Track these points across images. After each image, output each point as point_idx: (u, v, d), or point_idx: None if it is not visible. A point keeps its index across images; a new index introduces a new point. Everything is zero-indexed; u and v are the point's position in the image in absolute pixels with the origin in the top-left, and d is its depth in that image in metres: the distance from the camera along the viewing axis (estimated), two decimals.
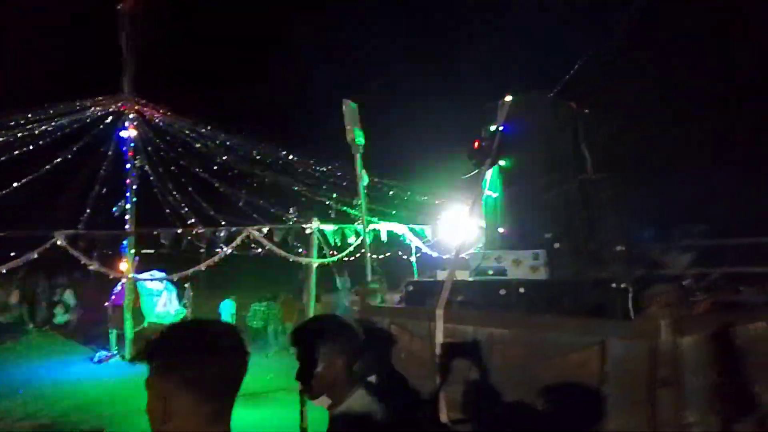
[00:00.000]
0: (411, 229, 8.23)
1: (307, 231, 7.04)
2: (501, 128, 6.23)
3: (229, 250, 7.12)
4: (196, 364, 1.40)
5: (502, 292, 5.67)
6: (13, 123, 11.62)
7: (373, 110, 6.85)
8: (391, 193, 10.65)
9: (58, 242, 6.78)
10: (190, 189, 14.56)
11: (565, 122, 6.75)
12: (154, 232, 10.47)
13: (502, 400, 4.32)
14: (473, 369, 4.69)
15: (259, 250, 12.37)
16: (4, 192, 11.10)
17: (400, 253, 9.95)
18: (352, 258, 10.02)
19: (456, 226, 7.43)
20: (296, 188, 11.62)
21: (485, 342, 5.06)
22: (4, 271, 6.89)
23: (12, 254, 8.44)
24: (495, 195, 7.02)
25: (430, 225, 8.77)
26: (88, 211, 12.95)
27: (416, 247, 8.22)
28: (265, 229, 7.17)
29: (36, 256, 6.78)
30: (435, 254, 8.38)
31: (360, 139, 6.02)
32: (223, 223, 11.14)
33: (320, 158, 11.85)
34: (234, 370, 1.46)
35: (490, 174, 6.77)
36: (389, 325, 5.06)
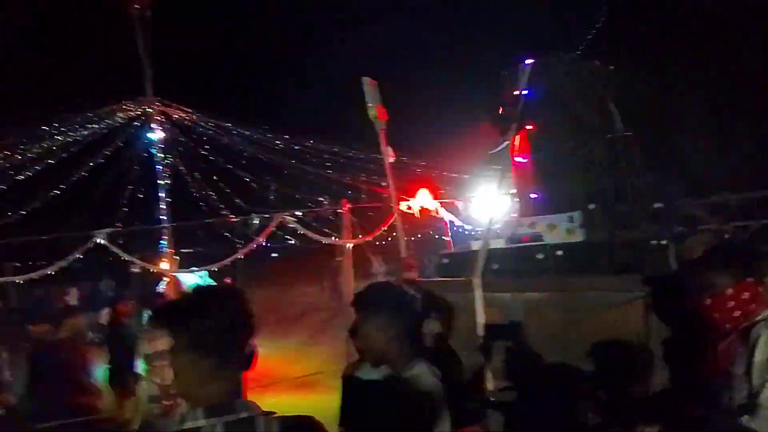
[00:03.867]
0: (442, 205, 8.22)
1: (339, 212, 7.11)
2: (524, 92, 6.19)
3: (263, 239, 7.22)
4: (193, 322, 1.49)
5: (539, 256, 5.68)
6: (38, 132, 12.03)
7: (392, 88, 6.82)
8: (418, 170, 10.71)
9: (99, 241, 6.97)
10: (220, 185, 14.81)
11: (589, 81, 6.66)
12: (191, 223, 10.69)
13: (544, 364, 4.33)
14: (514, 335, 4.70)
15: (293, 241, 12.57)
16: (35, 201, 11.56)
17: (431, 232, 9.96)
18: (384, 242, 10.08)
19: (487, 197, 7.41)
20: (325, 173, 11.77)
21: (524, 307, 5.08)
22: (52, 272, 7.10)
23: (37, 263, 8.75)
24: (524, 161, 6.99)
25: (462, 199, 8.74)
26: (123, 210, 13.28)
27: (449, 221, 8.21)
28: (298, 213, 7.25)
29: (80, 255, 7.00)
30: (468, 227, 8.37)
31: (382, 116, 6.03)
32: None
33: (346, 141, 11.99)
34: (233, 328, 1.52)
35: (517, 140, 6.74)
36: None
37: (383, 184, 10.81)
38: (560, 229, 5.94)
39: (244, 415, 1.49)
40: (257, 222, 8.43)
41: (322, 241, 7.18)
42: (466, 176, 9.96)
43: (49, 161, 12.24)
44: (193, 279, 15.71)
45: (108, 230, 7.51)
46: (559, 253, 5.63)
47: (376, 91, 6.09)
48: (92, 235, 7.07)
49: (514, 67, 6.32)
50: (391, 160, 6.21)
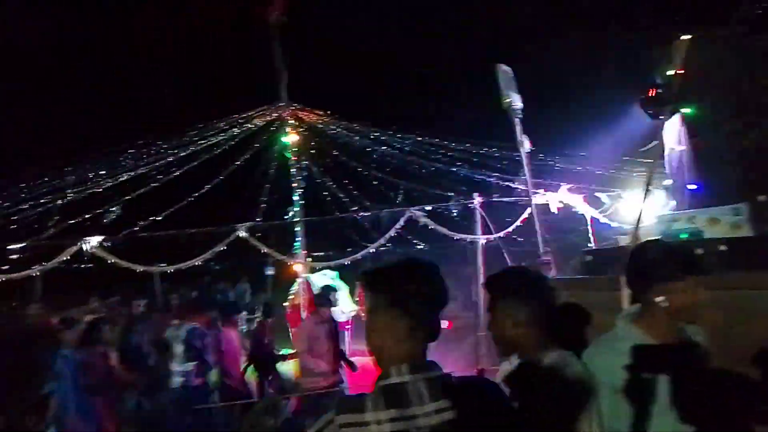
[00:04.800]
0: (584, 200, 7.87)
1: (471, 206, 7.08)
2: (679, 72, 5.78)
3: (393, 232, 7.39)
4: (400, 284, 1.71)
5: (699, 251, 5.27)
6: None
7: (527, 74, 6.69)
8: (556, 165, 10.38)
9: (240, 234, 7.62)
10: (351, 187, 15.45)
11: (756, 59, 6.07)
12: (325, 218, 11.26)
13: (701, 367, 4.02)
14: None
15: (421, 245, 12.75)
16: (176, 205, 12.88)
17: (571, 229, 9.58)
18: (520, 240, 9.87)
19: (636, 190, 6.99)
20: (454, 169, 11.86)
21: None
22: (199, 263, 7.89)
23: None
24: (680, 149, 6.51)
25: (607, 194, 8.33)
26: (260, 217, 14.27)
27: (592, 217, 7.85)
28: (428, 208, 7.34)
29: (224, 248, 7.76)
30: (614, 224, 7.95)
31: (517, 104, 5.94)
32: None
33: (477, 136, 12.00)
34: (432, 297, 1.72)
35: (671, 125, 6.30)
36: (567, 297, 4.95)
37: (516, 182, 10.71)
38: (723, 224, 5.47)
39: (438, 373, 1.68)
40: (384, 215, 8.63)
41: (453, 237, 7.19)
42: (611, 169, 9.52)
43: (192, 164, 13.53)
44: (325, 281, 16.47)
45: (248, 224, 8.16)
46: (722, 248, 5.19)
47: (511, 78, 6.02)
48: (235, 229, 7.72)
49: (666, 44, 5.92)
50: (528, 150, 6.10)
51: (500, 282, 2.48)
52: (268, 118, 14.93)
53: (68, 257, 7.90)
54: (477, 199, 7.27)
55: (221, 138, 14.11)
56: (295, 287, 15.96)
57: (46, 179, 11.26)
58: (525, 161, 6.15)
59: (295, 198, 14.95)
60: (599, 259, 6.25)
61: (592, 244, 7.35)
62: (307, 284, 15.38)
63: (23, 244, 8.63)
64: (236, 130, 14.30)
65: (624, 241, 5.90)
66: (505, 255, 7.36)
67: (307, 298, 15.48)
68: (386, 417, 1.56)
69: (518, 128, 6.03)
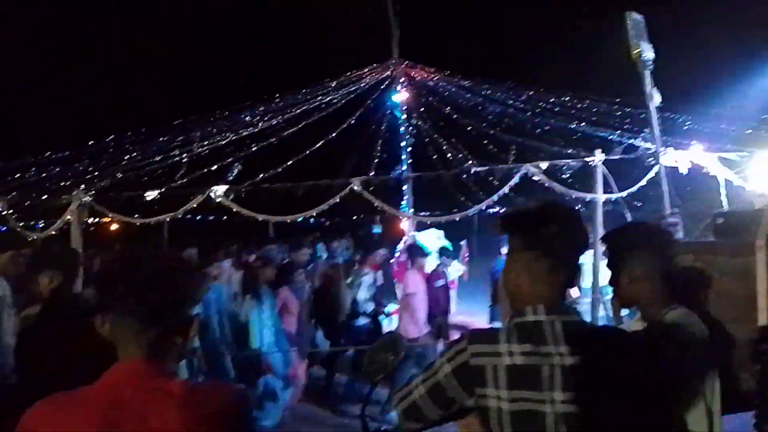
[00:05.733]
0: (718, 160, 7.29)
1: (591, 164, 6.80)
2: None
3: (507, 189, 7.25)
4: (541, 225, 1.72)
5: None
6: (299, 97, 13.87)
7: (658, 22, 6.24)
8: (687, 123, 9.68)
9: (355, 187, 7.84)
10: (459, 146, 15.33)
11: None
12: (433, 173, 11.30)
13: None
14: None
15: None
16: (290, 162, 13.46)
17: (699, 191, 8.92)
18: (640, 202, 9.39)
19: None
20: (575, 125, 11.42)
21: None
22: (315, 213, 8.24)
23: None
24: None
25: (741, 154, 7.67)
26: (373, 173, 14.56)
27: (725, 179, 7.28)
28: (544, 165, 7.12)
29: (338, 199, 8.06)
30: (749, 186, 7.33)
31: (648, 54, 5.59)
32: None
33: (599, 92, 11.48)
34: (571, 238, 1.73)
35: None
36: (693, 261, 4.69)
37: (640, 138, 10.13)
38: None
39: (576, 318, 1.69)
40: (497, 173, 8.46)
41: (571, 195, 6.96)
42: (747, 130, 8.79)
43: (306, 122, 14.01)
44: (431, 240, 16.58)
45: (362, 177, 8.36)
46: None
47: (642, 27, 5.66)
48: (349, 182, 7.95)
49: None
50: (657, 104, 5.75)
51: (621, 236, 2.43)
52: (379, 76, 15.06)
53: (195, 206, 8.48)
54: (599, 155, 6.96)
55: (334, 97, 14.44)
56: (401, 245, 16.22)
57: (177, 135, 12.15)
58: (653, 116, 5.80)
59: (403, 156, 15.10)
60: (733, 222, 5.82)
61: (724, 207, 6.85)
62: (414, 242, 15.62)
63: (158, 191, 9.36)
64: (348, 90, 14.53)
65: (761, 203, 5.46)
66: (627, 216, 7.04)
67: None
68: (519, 350, 1.59)
69: (648, 81, 5.68)
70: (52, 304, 3.99)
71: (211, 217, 18.29)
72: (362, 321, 8.22)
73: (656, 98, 5.73)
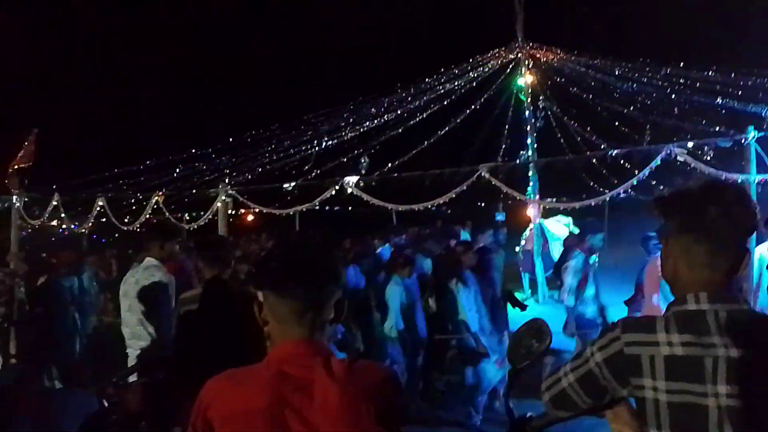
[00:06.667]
0: None
1: (744, 142, 6.24)
2: None
3: (647, 172, 6.81)
4: (697, 209, 1.61)
5: None
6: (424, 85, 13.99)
7: None
8: None
9: (483, 174, 7.79)
10: (588, 128, 14.73)
11: None
12: (560, 158, 10.95)
13: None
14: None
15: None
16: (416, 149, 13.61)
17: None
18: None
19: None
20: (721, 101, 10.54)
21: None
22: (442, 201, 8.30)
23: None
24: None
25: None
26: (500, 158, 14.40)
27: None
28: (689, 145, 6.62)
29: (465, 187, 8.02)
30: None
31: None
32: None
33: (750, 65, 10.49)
34: (736, 222, 1.60)
35: None
36: None
37: None
38: None
39: (745, 306, 1.58)
40: (627, 155, 7.94)
41: (720, 177, 6.45)
42: None
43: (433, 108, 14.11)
44: (559, 228, 16.10)
45: (490, 164, 8.28)
46: None
47: None
48: (476, 169, 7.92)
49: None
50: None
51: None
52: (503, 60, 14.82)
53: (330, 196, 8.88)
54: (752, 133, 6.39)
55: (457, 84, 14.42)
56: (527, 233, 15.89)
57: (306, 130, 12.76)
58: None
59: (529, 141, 14.74)
60: None
61: None
62: (541, 230, 15.21)
63: (293, 183, 9.90)
64: (471, 75, 14.46)
65: None
66: None
67: (541, 243, 15.36)
68: (679, 340, 1.52)
69: None
70: (211, 289, 4.41)
71: (337, 208, 18.96)
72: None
73: None
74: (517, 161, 13.59)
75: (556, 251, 15.25)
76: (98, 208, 11.23)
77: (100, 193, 11.50)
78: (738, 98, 10.73)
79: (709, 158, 7.16)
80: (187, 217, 13.94)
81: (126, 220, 11.70)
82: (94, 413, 2.94)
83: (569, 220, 15.37)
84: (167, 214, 10.64)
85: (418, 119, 14.02)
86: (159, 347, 4.63)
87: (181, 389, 1.68)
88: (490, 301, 6.85)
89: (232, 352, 2.32)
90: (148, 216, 10.78)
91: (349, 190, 8.88)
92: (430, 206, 9.06)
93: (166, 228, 6.42)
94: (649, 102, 13.21)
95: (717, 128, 9.81)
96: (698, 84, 11.64)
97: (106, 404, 3.38)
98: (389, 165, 12.15)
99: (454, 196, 8.24)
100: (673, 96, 12.22)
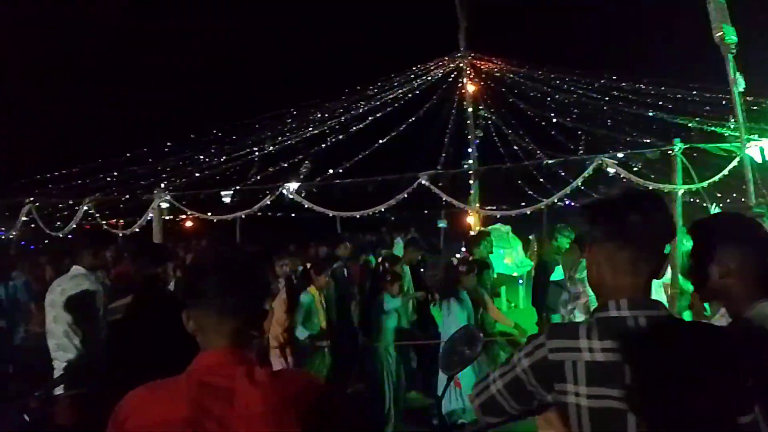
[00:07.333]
0: None
1: (670, 153, 6.57)
2: None
3: (580, 181, 7.07)
4: (626, 214, 1.62)
5: None
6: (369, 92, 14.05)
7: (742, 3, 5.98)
8: None
9: (423, 182, 7.88)
10: (526, 139, 15.11)
11: None
12: (498, 165, 11.19)
13: None
14: None
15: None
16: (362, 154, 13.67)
17: None
18: (721, 193, 8.99)
19: None
20: (651, 113, 11.00)
21: None
22: (383, 209, 8.36)
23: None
24: None
25: None
26: (439, 167, 14.57)
27: None
28: (619, 155, 6.92)
29: (406, 195, 8.09)
30: None
31: (731, 38, 5.36)
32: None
33: (677, 77, 11.03)
34: (655, 228, 1.63)
35: None
36: None
37: (724, 127, 9.67)
38: None
39: (664, 313, 1.61)
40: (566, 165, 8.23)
41: (647, 188, 6.76)
42: None
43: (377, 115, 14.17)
44: (497, 235, 16.40)
45: (430, 172, 8.39)
46: None
47: (723, 8, 5.44)
48: (417, 176, 8.00)
49: None
50: (741, 89, 5.51)
51: (710, 226, 2.30)
52: (446, 69, 15.04)
53: (268, 203, 8.78)
54: (678, 145, 6.72)
55: (400, 92, 14.54)
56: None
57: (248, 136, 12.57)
58: (738, 102, 5.56)
59: (470, 150, 15.00)
60: None
61: None
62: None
63: (233, 189, 9.73)
64: (415, 83, 14.61)
65: None
66: (708, 207, 6.75)
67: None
68: (600, 346, 1.54)
69: (731, 65, 5.46)
70: (142, 297, 4.29)
71: (279, 214, 18.77)
72: None
73: (740, 83, 5.49)
74: (461, 168, 13.78)
75: (495, 258, 15.50)
76: (26, 214, 10.75)
77: (27, 197, 11.01)
78: (667, 111, 11.23)
79: (637, 168, 7.47)
80: (122, 223, 13.52)
81: (56, 225, 11.25)
82: (17, 430, 2.81)
83: (509, 228, 15.66)
84: (99, 219, 10.31)
85: (362, 125, 14.04)
86: (87, 358, 4.46)
87: (112, 400, 1.61)
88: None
89: (164, 360, 2.27)
90: (79, 222, 10.40)
91: (290, 197, 8.81)
92: (371, 213, 9.10)
93: (98, 234, 6.21)
94: (584, 112, 13.64)
95: (647, 140, 10.23)
96: (630, 96, 12.10)
97: (28, 419, 3.23)
98: (330, 171, 12.16)
99: (395, 203, 8.29)
100: (605, 108, 12.67)
